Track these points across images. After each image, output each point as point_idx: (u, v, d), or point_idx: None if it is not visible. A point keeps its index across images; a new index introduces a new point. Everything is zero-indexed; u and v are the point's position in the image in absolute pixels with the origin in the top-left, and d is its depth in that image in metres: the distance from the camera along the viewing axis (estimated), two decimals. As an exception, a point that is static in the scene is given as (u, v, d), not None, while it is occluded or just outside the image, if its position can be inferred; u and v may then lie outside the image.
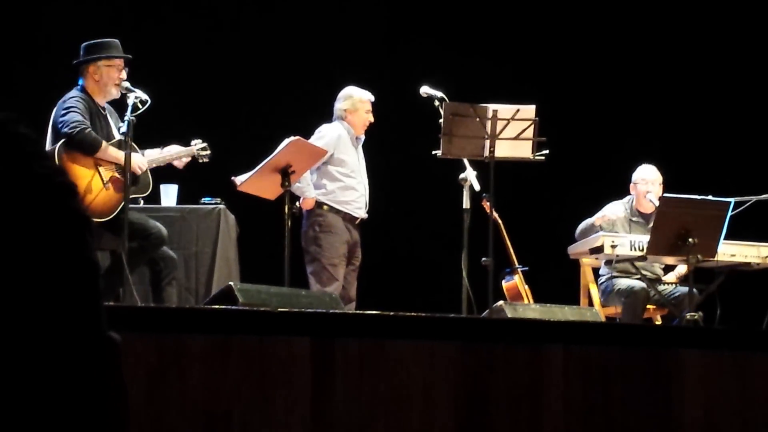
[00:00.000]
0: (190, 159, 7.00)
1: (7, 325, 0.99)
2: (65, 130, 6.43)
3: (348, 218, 7.56)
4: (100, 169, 6.55)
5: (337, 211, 7.53)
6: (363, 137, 7.70)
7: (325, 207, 7.51)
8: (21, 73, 8.82)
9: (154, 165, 6.86)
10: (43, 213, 1.03)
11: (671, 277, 8.11)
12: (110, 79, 6.69)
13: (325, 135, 7.53)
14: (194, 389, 4.01)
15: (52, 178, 1.06)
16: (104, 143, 6.54)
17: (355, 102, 7.64)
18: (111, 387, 1.08)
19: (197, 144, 7.05)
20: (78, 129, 6.45)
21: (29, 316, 1.00)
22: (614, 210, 8.01)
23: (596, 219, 7.90)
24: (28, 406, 0.99)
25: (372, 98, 7.67)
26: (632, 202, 8.11)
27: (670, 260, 7.73)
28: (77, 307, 1.05)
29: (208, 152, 7.05)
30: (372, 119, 7.66)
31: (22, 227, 1.01)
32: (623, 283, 7.83)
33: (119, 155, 6.52)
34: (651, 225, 7.85)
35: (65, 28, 8.39)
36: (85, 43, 6.78)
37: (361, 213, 7.63)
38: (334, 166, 7.54)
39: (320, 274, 7.42)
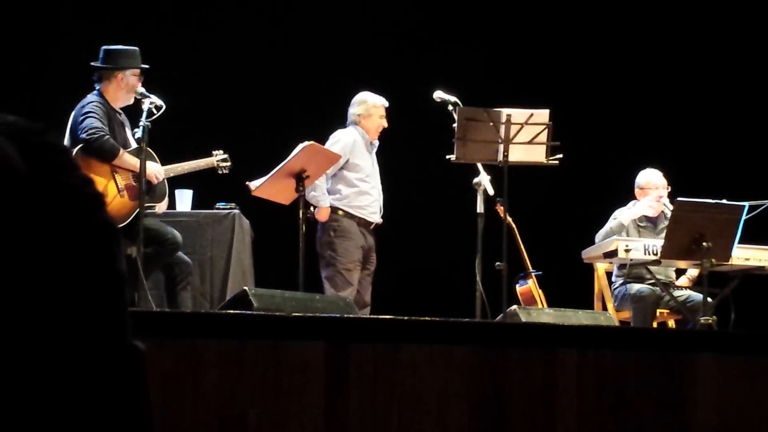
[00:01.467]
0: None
1: (32, 336, 1.00)
2: (83, 135, 6.46)
3: (363, 223, 7.57)
4: (116, 176, 6.57)
5: (352, 216, 7.54)
6: (377, 142, 7.72)
7: (340, 212, 7.53)
8: (37, 77, 8.85)
9: (172, 174, 6.88)
10: (71, 224, 1.05)
11: (683, 280, 8.09)
12: (133, 87, 6.73)
13: (339, 140, 7.55)
14: (209, 394, 4.02)
15: (80, 189, 1.07)
16: (121, 150, 6.56)
17: (369, 107, 7.65)
18: (136, 397, 1.09)
19: (218, 155, 7.08)
20: (96, 135, 6.47)
21: (54, 327, 1.02)
22: (626, 214, 8.02)
23: (624, 220, 7.91)
24: (52, 416, 1.01)
25: (386, 104, 7.68)
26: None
27: (684, 264, 7.72)
28: (103, 318, 1.06)
29: (229, 164, 7.08)
30: (386, 124, 7.67)
31: (48, 238, 1.02)
32: (634, 287, 7.81)
33: (136, 163, 6.54)
34: (659, 229, 7.86)
35: (82, 34, 8.42)
36: (106, 48, 6.78)
37: (376, 218, 7.64)
38: (349, 171, 7.56)
39: (335, 279, 7.43)
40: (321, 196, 7.47)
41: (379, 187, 7.71)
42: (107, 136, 6.51)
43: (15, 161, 1.02)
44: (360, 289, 7.53)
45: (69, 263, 1.02)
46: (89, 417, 1.02)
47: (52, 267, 1.01)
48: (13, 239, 0.99)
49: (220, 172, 7.08)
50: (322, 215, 7.47)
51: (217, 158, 7.08)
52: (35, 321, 0.99)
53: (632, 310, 7.75)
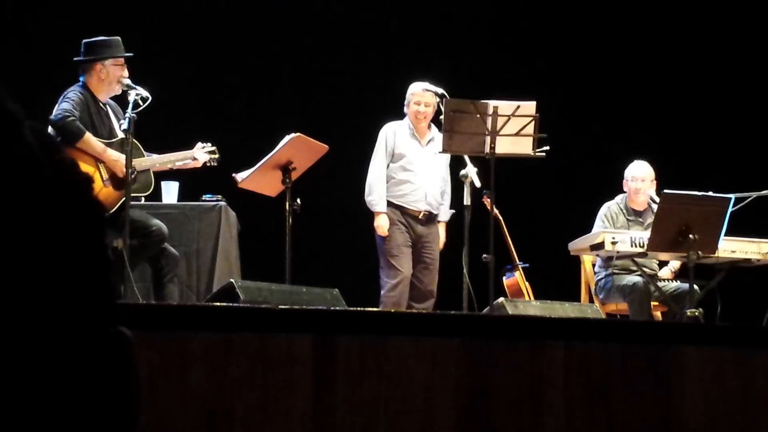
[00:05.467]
0: (204, 159, 6.98)
1: (22, 318, 1.00)
2: (51, 116, 6.45)
3: (407, 212, 7.51)
4: (101, 166, 6.55)
5: (394, 206, 7.50)
6: (429, 131, 7.63)
7: None
8: (20, 71, 8.82)
9: (156, 167, 6.85)
10: (70, 201, 1.05)
11: (666, 272, 8.10)
12: (115, 77, 6.70)
13: (380, 137, 7.58)
14: (195, 387, 4.01)
15: (73, 168, 1.08)
16: (87, 134, 6.50)
17: (408, 95, 7.61)
18: (122, 383, 1.08)
19: (205, 147, 7.04)
20: (61, 116, 6.44)
21: (44, 309, 1.01)
22: (613, 209, 8.04)
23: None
24: (36, 402, 1.00)
25: (419, 89, 7.49)
26: (625, 199, 8.11)
27: (670, 256, 7.73)
28: (92, 299, 1.06)
29: (217, 156, 7.05)
30: (422, 110, 7.53)
31: (50, 215, 1.03)
32: (624, 279, 7.82)
33: (101, 149, 6.51)
34: (646, 223, 7.86)
35: (66, 25, 8.39)
36: (86, 41, 6.76)
37: (421, 206, 7.53)
38: (392, 161, 7.56)
39: (385, 268, 7.49)
40: (377, 200, 7.46)
41: (428, 175, 7.60)
42: (73, 119, 6.47)
43: (29, 136, 1.03)
44: (417, 282, 7.49)
45: (64, 240, 1.02)
46: (71, 400, 1.02)
47: (48, 244, 1.01)
48: (24, 215, 0.99)
49: (208, 164, 7.05)
50: (378, 221, 7.46)
51: (204, 150, 7.04)
52: (22, 301, 0.99)
53: (628, 302, 7.73)
